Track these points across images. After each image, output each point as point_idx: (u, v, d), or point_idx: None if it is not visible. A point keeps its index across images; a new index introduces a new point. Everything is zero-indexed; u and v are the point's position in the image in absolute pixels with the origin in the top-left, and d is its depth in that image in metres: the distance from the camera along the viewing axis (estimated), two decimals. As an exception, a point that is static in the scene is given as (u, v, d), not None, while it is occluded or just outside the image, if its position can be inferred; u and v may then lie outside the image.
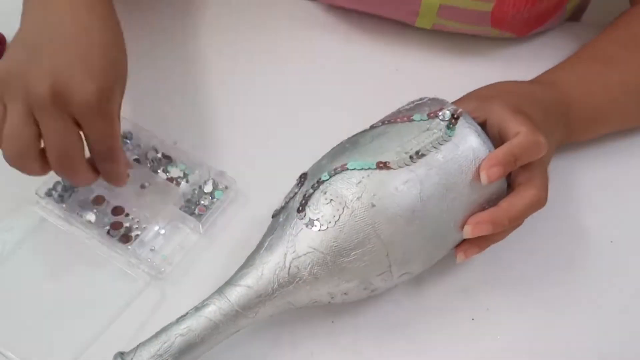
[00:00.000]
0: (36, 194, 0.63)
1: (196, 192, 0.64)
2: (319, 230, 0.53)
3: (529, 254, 0.63)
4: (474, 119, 0.55)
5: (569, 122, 0.63)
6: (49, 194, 0.63)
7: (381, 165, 0.53)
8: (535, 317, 0.60)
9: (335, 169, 0.54)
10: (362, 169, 0.53)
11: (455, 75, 0.74)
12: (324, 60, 0.75)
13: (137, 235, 0.61)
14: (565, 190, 0.66)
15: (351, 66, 0.75)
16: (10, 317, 0.58)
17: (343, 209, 0.52)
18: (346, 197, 0.53)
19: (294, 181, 0.58)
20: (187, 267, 0.61)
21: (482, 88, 0.62)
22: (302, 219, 0.53)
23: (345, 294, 0.55)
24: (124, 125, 0.66)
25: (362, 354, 0.58)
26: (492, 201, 0.55)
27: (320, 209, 0.53)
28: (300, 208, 0.54)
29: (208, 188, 0.64)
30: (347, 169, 0.54)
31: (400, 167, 0.53)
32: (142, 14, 0.78)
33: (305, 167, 0.58)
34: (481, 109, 0.57)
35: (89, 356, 0.56)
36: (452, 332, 0.59)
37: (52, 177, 0.63)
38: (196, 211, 0.63)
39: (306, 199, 0.54)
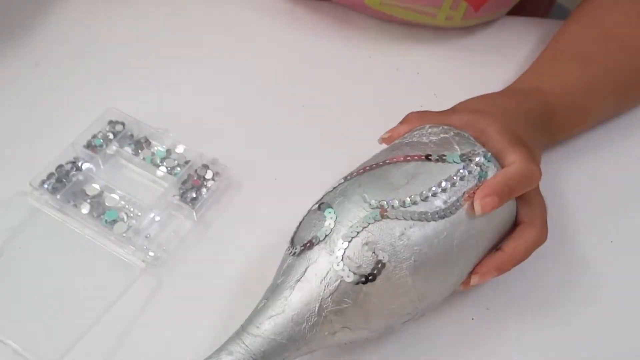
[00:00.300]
0: (30, 184, 0.63)
1: (189, 179, 0.64)
2: (355, 283, 0.50)
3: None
4: (470, 135, 0.55)
5: (552, 128, 0.63)
6: (42, 184, 0.63)
7: (422, 216, 0.51)
8: (535, 317, 0.59)
9: (374, 217, 0.51)
10: (404, 219, 0.51)
11: (456, 74, 0.74)
12: (323, 57, 0.75)
13: (132, 224, 0.62)
14: (564, 190, 0.66)
15: (351, 65, 0.75)
16: (7, 307, 0.58)
17: (384, 264, 0.50)
18: (387, 250, 0.50)
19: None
20: (182, 254, 0.61)
21: (472, 101, 0.62)
22: (338, 265, 0.50)
23: (367, 338, 0.54)
24: (116, 116, 0.68)
25: (362, 354, 0.57)
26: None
27: (357, 260, 0.50)
28: (338, 257, 0.50)
29: (201, 175, 0.64)
30: (388, 217, 0.51)
31: (440, 218, 0.52)
32: (136, 8, 0.79)
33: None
34: (473, 124, 0.57)
35: (87, 343, 0.56)
36: (452, 332, 0.58)
37: (46, 168, 0.64)
38: (190, 198, 0.63)
39: (343, 248, 0.50)
